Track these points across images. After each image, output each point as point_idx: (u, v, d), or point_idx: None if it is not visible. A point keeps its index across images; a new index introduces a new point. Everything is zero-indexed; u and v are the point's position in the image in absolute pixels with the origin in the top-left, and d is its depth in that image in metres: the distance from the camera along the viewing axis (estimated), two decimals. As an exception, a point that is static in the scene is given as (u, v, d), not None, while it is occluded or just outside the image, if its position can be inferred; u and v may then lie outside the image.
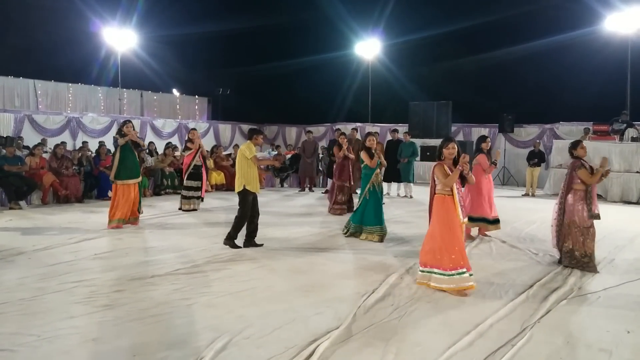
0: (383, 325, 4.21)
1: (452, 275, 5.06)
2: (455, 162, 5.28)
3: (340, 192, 10.36)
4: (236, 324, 4.14)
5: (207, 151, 11.22)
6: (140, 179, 8.71)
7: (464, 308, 4.66)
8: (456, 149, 5.31)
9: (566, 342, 3.94)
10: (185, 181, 10.66)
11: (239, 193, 6.93)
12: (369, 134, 8.57)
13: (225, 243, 7.00)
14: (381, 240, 7.61)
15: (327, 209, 10.56)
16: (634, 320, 4.43)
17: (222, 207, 11.22)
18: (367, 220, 7.78)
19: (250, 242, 7.08)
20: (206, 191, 11.44)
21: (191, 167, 10.47)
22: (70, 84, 22.19)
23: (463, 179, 5.31)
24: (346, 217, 9.10)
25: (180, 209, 10.51)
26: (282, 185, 16.32)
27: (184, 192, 10.64)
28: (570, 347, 3.86)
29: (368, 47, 22.54)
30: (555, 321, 4.37)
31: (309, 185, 14.72)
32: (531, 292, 5.14)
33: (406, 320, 4.32)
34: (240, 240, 7.04)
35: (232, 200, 11.61)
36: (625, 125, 14.45)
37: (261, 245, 7.10)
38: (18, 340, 3.80)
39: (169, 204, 11.20)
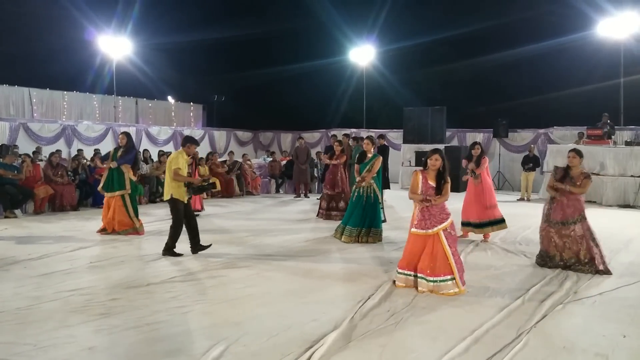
0: (379, 331, 4.21)
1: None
2: (440, 173, 5.36)
3: (325, 199, 10.49)
4: (232, 332, 4.14)
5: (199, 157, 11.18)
6: (113, 193, 8.48)
7: (460, 314, 4.67)
8: (440, 161, 5.41)
9: (562, 346, 3.95)
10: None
11: (168, 201, 6.91)
12: (362, 138, 8.75)
13: (164, 254, 6.84)
14: (357, 241, 7.86)
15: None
16: (630, 324, 4.45)
17: (217, 214, 11.19)
18: (345, 220, 8.18)
19: (196, 247, 6.97)
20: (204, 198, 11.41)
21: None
22: (65, 92, 22.08)
23: (439, 190, 5.37)
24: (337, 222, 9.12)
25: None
26: (277, 192, 16.32)
27: None
28: (567, 351, 3.87)
29: (362, 53, 22.62)
30: (552, 326, 4.39)
31: (304, 192, 14.72)
32: (527, 296, 5.15)
33: (402, 326, 4.33)
34: (214, 247, 7.03)
35: (228, 207, 11.61)
36: (608, 128, 14.55)
37: (209, 245, 7.00)
38: (14, 350, 3.78)
39: (164, 212, 11.11)
